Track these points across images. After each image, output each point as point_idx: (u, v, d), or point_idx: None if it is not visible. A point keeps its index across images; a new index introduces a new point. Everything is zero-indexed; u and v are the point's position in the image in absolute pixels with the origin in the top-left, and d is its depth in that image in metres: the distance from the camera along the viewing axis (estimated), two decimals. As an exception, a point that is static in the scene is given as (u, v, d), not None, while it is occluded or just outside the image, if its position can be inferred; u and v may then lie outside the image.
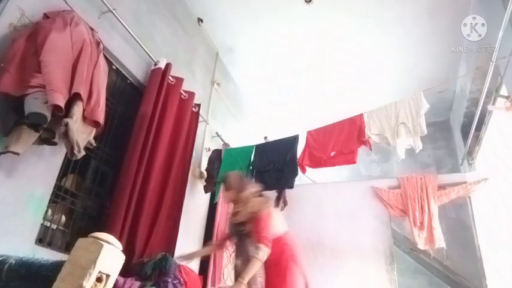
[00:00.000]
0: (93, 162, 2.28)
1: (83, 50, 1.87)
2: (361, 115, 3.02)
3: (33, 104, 1.58)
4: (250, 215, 2.09)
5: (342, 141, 2.99)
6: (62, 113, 1.68)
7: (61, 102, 1.64)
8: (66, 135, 1.69)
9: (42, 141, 1.74)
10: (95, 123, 1.93)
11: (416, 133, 2.83)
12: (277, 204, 4.37)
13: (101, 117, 1.94)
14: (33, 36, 1.73)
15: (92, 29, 2.05)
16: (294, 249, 2.08)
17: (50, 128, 1.72)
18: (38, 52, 1.68)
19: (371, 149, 3.03)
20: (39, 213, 1.79)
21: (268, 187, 3.13)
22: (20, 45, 1.67)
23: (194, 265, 2.92)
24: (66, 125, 1.68)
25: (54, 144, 1.79)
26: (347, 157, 2.95)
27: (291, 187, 3.05)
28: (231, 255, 3.75)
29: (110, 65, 2.39)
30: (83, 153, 1.83)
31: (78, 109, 1.77)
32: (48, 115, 1.62)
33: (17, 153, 1.56)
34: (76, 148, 1.75)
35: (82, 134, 1.83)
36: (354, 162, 2.98)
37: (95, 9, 2.26)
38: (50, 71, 1.65)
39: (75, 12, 1.98)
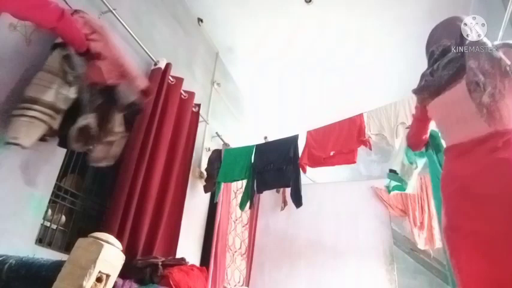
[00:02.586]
0: (93, 162, 2.28)
1: (83, 50, 1.87)
2: (361, 115, 3.02)
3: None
4: None
5: (341, 141, 2.98)
6: None
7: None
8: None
9: (41, 138, 1.73)
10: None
11: (415, 133, 2.83)
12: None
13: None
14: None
15: (92, 29, 2.05)
16: None
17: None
18: None
19: (371, 149, 3.02)
20: (39, 213, 1.79)
21: (269, 187, 3.14)
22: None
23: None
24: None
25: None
26: (347, 157, 2.94)
27: (288, 186, 3.04)
28: (233, 254, 3.75)
29: (110, 65, 2.39)
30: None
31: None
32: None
33: (25, 147, 1.56)
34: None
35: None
36: (354, 162, 2.96)
37: (95, 9, 2.25)
38: None
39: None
